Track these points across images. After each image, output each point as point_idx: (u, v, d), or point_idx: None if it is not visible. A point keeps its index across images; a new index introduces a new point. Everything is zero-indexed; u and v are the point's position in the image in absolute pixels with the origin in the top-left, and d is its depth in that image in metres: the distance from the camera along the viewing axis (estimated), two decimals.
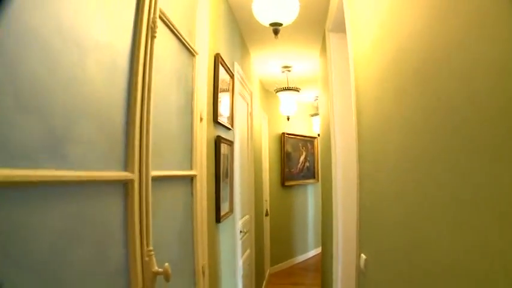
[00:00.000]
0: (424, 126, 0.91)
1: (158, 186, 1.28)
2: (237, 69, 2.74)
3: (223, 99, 2.23)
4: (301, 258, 5.94)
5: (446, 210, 0.78)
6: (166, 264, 1.09)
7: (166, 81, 1.40)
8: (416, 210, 0.97)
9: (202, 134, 1.74)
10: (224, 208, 2.14)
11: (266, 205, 4.91)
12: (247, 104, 3.53)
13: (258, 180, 4.22)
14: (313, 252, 6.21)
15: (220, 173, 1.99)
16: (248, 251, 3.39)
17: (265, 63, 4.08)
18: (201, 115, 1.74)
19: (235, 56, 2.83)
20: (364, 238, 1.66)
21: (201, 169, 1.71)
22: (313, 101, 5.97)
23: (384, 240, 1.32)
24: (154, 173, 1.20)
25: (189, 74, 1.70)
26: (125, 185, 1.04)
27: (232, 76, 2.49)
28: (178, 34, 1.47)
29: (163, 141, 1.35)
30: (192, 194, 1.64)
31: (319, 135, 5.78)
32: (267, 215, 4.90)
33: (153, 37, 1.18)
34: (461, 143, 0.70)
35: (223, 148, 2.14)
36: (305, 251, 6.07)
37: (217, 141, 2.00)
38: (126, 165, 1.05)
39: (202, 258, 1.69)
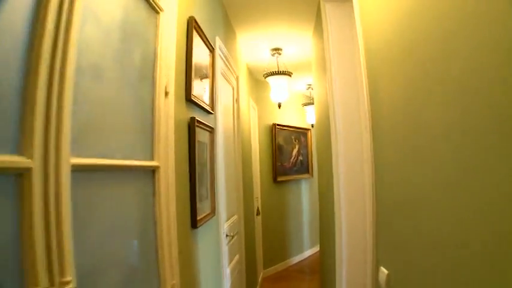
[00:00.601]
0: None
1: (95, 180, 0.88)
2: (219, 45, 2.33)
3: (201, 76, 1.82)
4: (296, 259, 5.55)
5: None
6: None
7: (111, 36, 0.99)
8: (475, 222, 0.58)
9: (168, 112, 1.32)
10: (203, 209, 1.73)
11: (257, 203, 4.49)
12: (233, 88, 3.11)
13: (248, 176, 3.81)
14: (309, 252, 5.83)
15: (195, 165, 1.58)
16: (237, 256, 2.98)
17: (253, 46, 3.67)
18: (166, 88, 1.32)
19: (218, 32, 2.42)
20: (385, 247, 1.27)
21: (167, 159, 1.29)
22: (306, 90, 5.59)
23: (420, 253, 0.93)
24: (81, 160, 0.79)
25: (150, 35, 1.29)
26: (17, 177, 0.63)
27: (212, 50, 2.08)
28: None
29: (106, 118, 0.94)
30: (153, 192, 1.22)
31: (313, 125, 5.39)
32: (258, 214, 4.49)
33: None
34: None
35: (201, 134, 1.72)
36: (300, 251, 5.68)
37: (191, 124, 1.58)
38: (20, 147, 0.64)
39: (171, 277, 1.28)
